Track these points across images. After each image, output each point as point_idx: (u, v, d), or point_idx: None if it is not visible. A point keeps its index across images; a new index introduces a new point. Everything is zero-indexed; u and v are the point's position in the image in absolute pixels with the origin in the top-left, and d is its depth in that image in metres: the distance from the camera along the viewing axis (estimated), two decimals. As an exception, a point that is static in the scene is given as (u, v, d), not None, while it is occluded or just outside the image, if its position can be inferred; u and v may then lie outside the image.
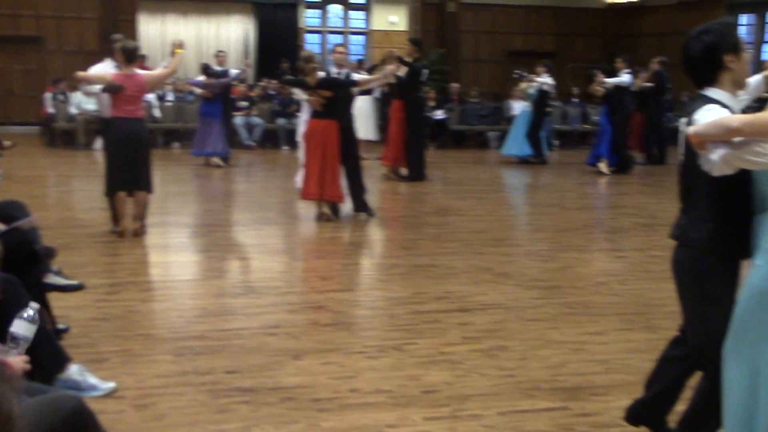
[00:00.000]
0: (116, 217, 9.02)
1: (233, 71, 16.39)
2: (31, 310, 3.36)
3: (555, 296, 6.89)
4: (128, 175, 8.79)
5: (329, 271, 7.93)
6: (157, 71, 10.07)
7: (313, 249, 8.94)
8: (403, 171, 14.49)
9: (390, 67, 11.17)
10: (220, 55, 16.61)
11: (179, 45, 9.63)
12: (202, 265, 8.01)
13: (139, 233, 8.93)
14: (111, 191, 8.96)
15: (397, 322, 6.12)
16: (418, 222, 10.64)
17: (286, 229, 9.93)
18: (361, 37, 30.72)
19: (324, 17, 30.46)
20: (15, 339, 3.26)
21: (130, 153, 8.73)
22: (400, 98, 14.22)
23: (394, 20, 30.11)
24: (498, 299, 6.74)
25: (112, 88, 8.60)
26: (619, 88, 15.73)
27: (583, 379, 4.97)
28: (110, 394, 4.54)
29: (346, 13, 30.68)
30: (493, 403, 4.59)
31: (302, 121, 12.29)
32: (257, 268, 7.94)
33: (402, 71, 13.75)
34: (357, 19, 30.86)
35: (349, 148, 10.41)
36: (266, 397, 4.58)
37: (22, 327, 3.29)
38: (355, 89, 10.74)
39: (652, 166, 17.19)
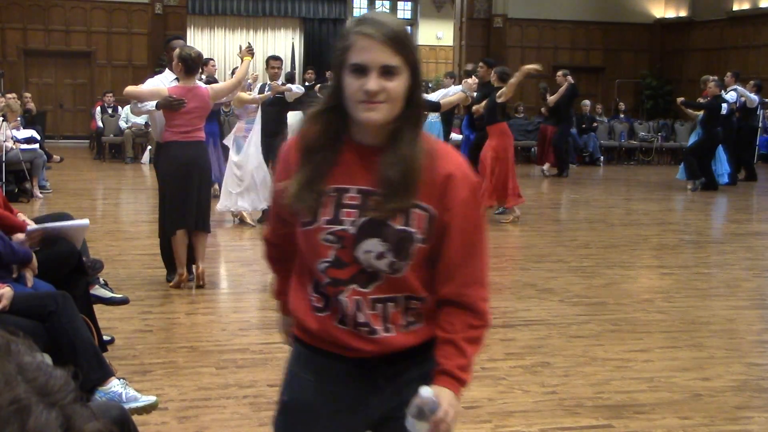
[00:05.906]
0: (171, 261, 7.31)
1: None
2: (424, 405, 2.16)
3: (599, 313, 6.82)
4: (187, 212, 7.07)
5: (372, 286, 7.90)
6: (222, 83, 9.17)
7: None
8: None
9: (470, 80, 10.35)
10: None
11: (248, 51, 8.32)
12: (246, 278, 8.04)
13: (203, 280, 7.29)
14: (167, 231, 7.22)
15: (439, 337, 6.09)
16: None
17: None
18: (407, 52, 30.81)
19: (370, 32, 30.63)
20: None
21: (188, 186, 7.02)
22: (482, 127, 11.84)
23: (441, 35, 30.17)
24: (542, 315, 6.70)
25: (169, 104, 6.92)
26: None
27: (627, 397, 4.91)
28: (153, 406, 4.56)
29: (392, 28, 30.77)
30: (535, 419, 4.55)
31: (249, 140, 10.08)
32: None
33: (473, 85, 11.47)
34: (403, 34, 30.98)
35: None
36: (307, 411, 4.57)
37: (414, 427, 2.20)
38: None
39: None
